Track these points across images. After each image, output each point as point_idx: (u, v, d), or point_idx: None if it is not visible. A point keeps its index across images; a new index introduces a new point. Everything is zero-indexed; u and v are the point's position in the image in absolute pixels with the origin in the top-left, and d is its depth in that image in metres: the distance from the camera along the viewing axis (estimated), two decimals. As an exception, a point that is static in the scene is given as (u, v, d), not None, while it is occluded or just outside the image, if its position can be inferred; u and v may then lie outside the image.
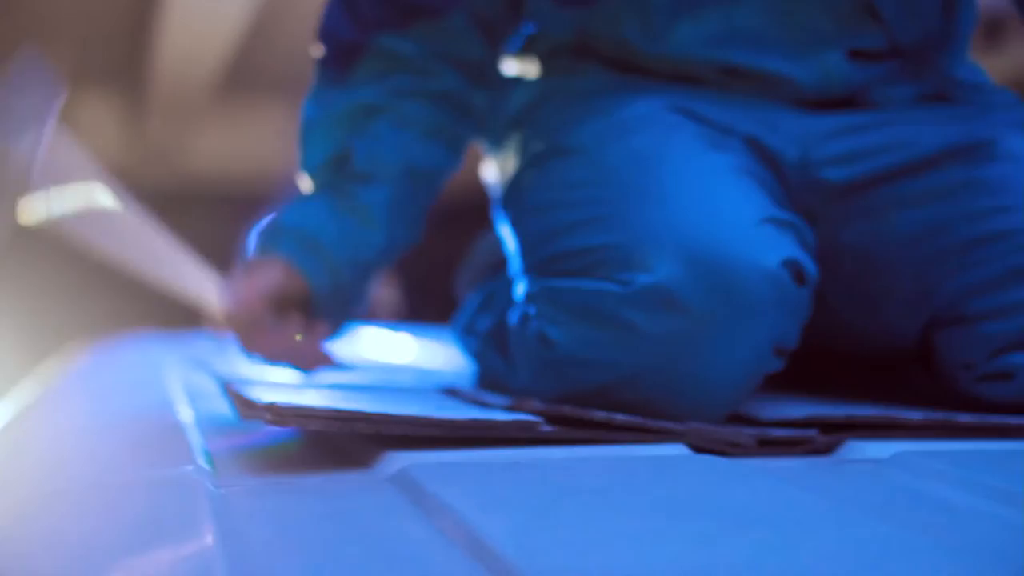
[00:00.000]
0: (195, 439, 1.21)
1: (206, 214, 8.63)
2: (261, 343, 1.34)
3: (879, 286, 1.39)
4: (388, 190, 1.41)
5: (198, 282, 1.34)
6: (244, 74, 6.84)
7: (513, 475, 0.97)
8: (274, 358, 1.36)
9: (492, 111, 1.55)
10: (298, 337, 1.36)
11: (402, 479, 0.97)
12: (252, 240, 1.39)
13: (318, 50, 1.47)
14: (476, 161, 1.60)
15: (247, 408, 1.14)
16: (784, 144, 1.39)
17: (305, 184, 1.44)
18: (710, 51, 1.39)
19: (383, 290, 5.34)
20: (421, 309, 5.02)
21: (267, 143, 7.93)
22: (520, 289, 1.37)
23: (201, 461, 1.08)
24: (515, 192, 1.44)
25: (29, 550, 0.84)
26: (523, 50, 1.55)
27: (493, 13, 1.46)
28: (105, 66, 7.14)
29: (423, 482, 0.93)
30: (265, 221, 1.40)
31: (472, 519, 0.80)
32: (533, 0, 1.47)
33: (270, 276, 1.34)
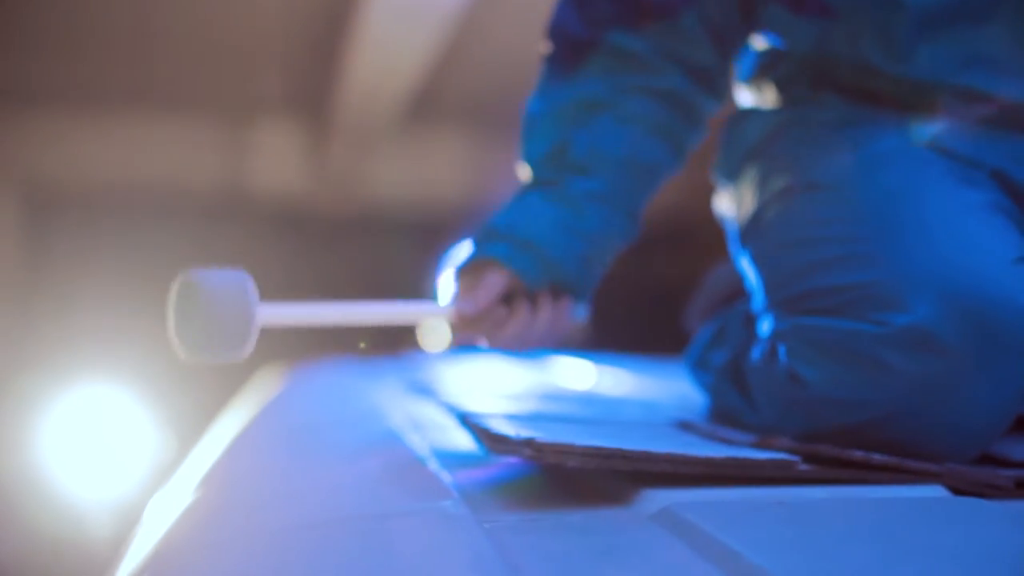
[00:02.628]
0: (440, 473, 1.22)
1: (385, 240, 8.74)
2: (503, 337, 1.37)
3: None
4: (603, 180, 1.41)
5: (408, 311, 1.38)
6: (427, 104, 6.92)
7: (782, 515, 0.96)
8: (520, 346, 1.39)
9: (727, 145, 1.55)
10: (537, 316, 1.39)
11: (666, 518, 0.97)
12: (471, 243, 1.42)
13: (546, 47, 1.49)
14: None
15: (498, 443, 1.14)
16: None
17: (524, 175, 1.46)
18: (951, 75, 1.36)
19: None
20: (608, 337, 5.02)
21: (447, 172, 8.01)
22: (766, 325, 1.36)
23: (456, 496, 1.08)
24: (758, 227, 1.43)
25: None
26: (758, 75, 1.54)
27: (725, 19, 1.45)
28: (293, 95, 7.29)
29: (693, 521, 0.93)
30: (482, 224, 1.43)
31: (763, 562, 0.80)
32: (770, 8, 1.46)
33: (493, 280, 1.37)
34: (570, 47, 1.47)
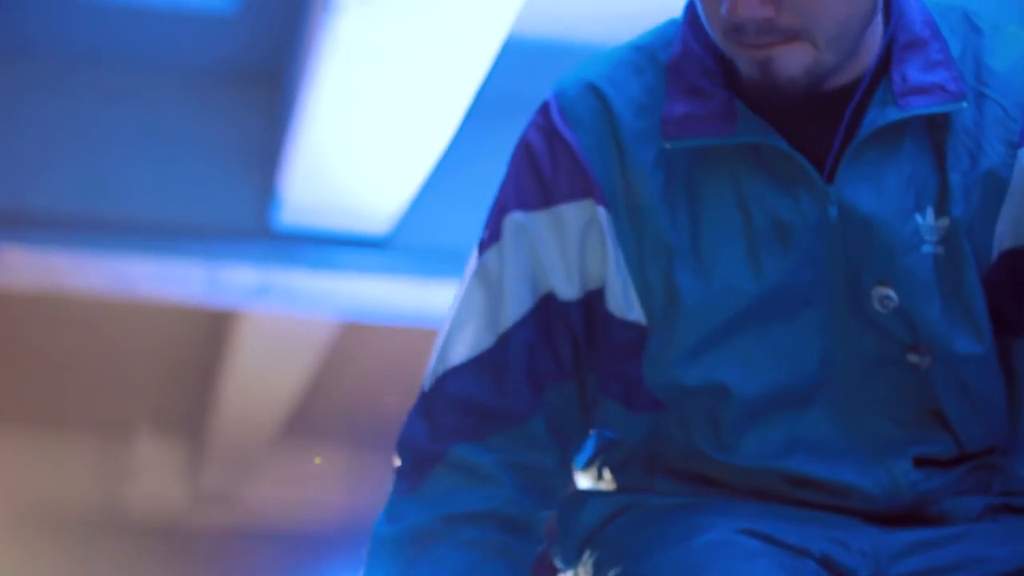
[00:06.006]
0: None
1: (263, 556, 8.60)
2: None
3: None
4: None
5: None
6: (302, 423, 6.93)
7: None
8: None
9: (565, 530, 1.57)
10: None
11: None
12: None
13: (396, 460, 1.50)
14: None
15: None
16: (857, 563, 1.39)
17: None
18: (778, 461, 1.41)
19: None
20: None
21: (323, 488, 7.96)
22: None
23: None
24: (592, 617, 1.45)
25: None
26: (594, 461, 1.57)
27: (567, 419, 1.48)
28: (169, 415, 7.27)
29: None
30: None
31: None
32: (604, 406, 1.50)
33: None
34: (416, 461, 1.48)
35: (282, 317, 5.08)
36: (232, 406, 6.33)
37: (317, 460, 6.03)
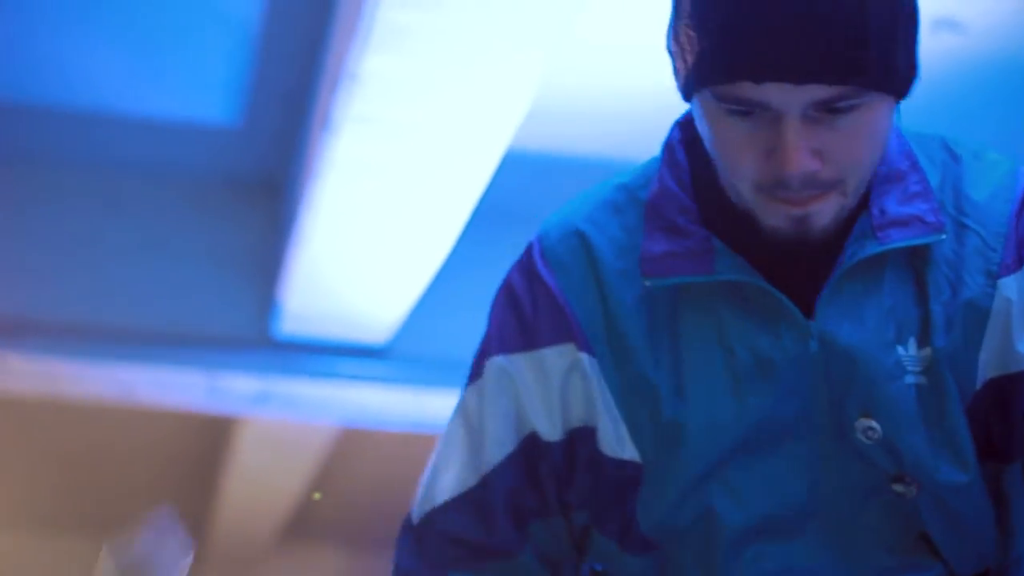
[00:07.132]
0: None
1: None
2: None
3: None
4: None
5: None
6: (302, 527, 6.92)
7: None
8: None
9: None
10: None
11: None
12: None
13: None
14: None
15: None
16: None
17: None
18: None
19: None
20: None
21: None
22: None
23: None
24: None
25: None
26: None
27: (556, 551, 1.49)
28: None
29: None
30: None
31: None
32: (598, 542, 1.51)
33: None
34: None
35: (282, 422, 5.10)
36: (232, 511, 6.33)
37: (317, 496, 6.01)
